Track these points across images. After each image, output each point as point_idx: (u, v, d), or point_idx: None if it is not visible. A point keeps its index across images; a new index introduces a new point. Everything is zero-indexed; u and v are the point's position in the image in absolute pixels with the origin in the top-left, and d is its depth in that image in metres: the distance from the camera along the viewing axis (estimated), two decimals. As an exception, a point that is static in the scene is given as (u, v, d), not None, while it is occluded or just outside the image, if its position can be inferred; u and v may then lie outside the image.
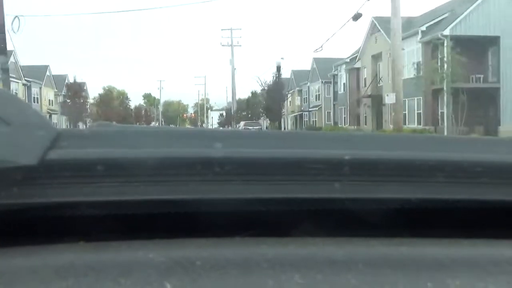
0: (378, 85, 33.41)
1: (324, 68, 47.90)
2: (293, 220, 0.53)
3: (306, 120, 51.23)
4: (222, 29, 55.89)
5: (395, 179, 0.51)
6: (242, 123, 46.56)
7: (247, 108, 59.84)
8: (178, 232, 0.50)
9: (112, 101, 65.41)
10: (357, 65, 37.25)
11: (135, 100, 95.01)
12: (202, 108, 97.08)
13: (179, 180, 0.48)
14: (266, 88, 46.61)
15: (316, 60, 48.37)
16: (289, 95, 57.14)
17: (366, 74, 35.91)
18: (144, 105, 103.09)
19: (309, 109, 50.71)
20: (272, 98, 43.98)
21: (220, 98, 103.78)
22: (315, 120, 50.22)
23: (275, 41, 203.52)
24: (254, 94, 61.12)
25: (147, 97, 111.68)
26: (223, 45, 53.90)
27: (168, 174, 0.48)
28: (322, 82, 47.97)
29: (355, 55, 38.24)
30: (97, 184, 0.47)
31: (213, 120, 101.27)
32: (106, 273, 0.41)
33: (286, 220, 0.53)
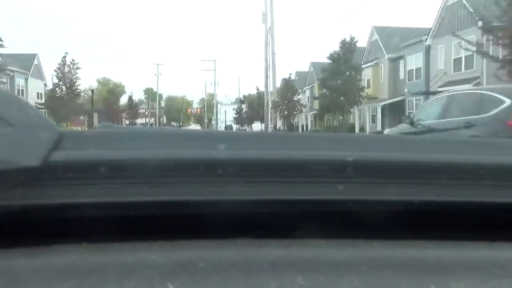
0: None
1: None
2: (296, 222, 0.53)
3: (386, 115, 26.91)
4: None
5: (398, 181, 0.51)
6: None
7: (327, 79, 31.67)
8: (180, 233, 0.49)
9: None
10: None
11: (136, 95, 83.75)
12: (210, 102, 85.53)
13: (182, 182, 0.48)
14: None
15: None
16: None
17: None
18: (145, 100, 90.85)
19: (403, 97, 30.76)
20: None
21: (229, 93, 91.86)
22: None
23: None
24: (335, 57, 32.16)
25: (148, 91, 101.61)
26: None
27: (171, 176, 0.48)
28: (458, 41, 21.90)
29: None
30: (100, 186, 0.47)
31: (226, 116, 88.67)
32: (108, 275, 0.42)
33: (289, 221, 0.53)
